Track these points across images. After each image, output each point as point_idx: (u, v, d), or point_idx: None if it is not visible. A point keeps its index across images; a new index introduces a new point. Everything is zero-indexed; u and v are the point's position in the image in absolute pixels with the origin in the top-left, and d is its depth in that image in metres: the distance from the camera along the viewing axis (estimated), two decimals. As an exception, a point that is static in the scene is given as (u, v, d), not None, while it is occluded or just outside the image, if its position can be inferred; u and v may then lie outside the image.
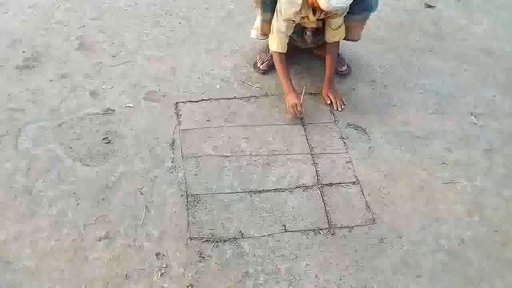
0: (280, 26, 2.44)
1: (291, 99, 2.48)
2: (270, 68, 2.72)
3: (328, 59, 2.60)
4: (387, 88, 2.76)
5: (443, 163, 2.39)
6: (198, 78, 2.70)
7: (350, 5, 2.26)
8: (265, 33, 2.62)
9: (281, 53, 2.51)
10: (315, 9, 2.32)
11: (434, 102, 2.71)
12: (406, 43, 3.09)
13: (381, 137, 2.48)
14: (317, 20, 2.45)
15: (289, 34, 2.49)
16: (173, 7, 3.15)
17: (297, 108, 2.46)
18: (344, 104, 2.61)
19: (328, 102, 2.60)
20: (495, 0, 3.54)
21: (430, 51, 3.05)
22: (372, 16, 3.25)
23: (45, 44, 2.80)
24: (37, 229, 1.99)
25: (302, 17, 2.41)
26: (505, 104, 2.75)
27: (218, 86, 2.65)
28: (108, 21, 2.99)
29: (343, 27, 2.53)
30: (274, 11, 2.47)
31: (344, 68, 2.77)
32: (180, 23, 3.04)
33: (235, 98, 2.59)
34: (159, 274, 1.89)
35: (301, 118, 2.51)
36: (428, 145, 2.48)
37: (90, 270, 1.88)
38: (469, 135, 2.55)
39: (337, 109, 2.58)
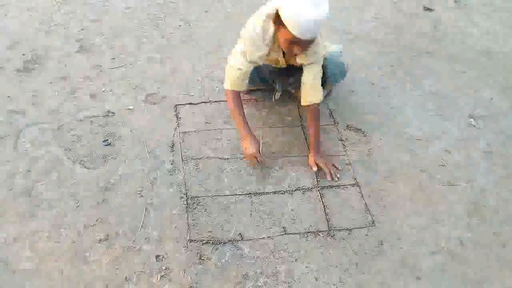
0: (236, 60, 2.18)
1: (248, 147, 2.19)
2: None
3: (310, 125, 2.33)
4: (386, 90, 2.77)
5: (442, 165, 2.40)
6: (198, 80, 2.70)
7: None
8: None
9: (235, 90, 2.24)
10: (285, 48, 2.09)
11: (433, 104, 2.72)
12: (405, 45, 3.10)
13: (380, 139, 2.49)
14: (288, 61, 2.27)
15: (246, 70, 2.19)
16: (172, 10, 3.16)
17: (256, 159, 2.20)
18: (339, 170, 2.31)
19: (315, 169, 2.28)
20: (493, 2, 3.56)
21: (428, 53, 3.06)
22: (372, 18, 3.28)
23: (45, 46, 2.80)
24: (37, 231, 1.99)
25: (270, 60, 2.26)
26: (504, 106, 2.75)
27: (217, 88, 2.66)
28: (108, 23, 3.00)
29: (319, 89, 2.27)
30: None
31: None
32: (179, 25, 3.05)
33: (234, 100, 2.60)
34: (159, 276, 1.89)
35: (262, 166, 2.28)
36: (427, 146, 2.48)
37: (90, 272, 1.88)
38: (468, 137, 2.55)
39: (333, 179, 2.26)
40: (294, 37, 1.93)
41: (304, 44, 2.01)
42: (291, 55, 2.11)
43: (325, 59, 2.30)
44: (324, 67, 2.29)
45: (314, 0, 1.85)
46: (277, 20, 1.97)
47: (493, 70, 2.99)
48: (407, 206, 2.21)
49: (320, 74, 2.26)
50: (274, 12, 1.98)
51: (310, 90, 2.25)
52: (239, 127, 2.25)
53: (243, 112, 2.25)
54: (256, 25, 2.08)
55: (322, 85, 2.28)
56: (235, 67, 2.18)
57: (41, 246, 1.94)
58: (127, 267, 1.91)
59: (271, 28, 2.05)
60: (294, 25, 1.89)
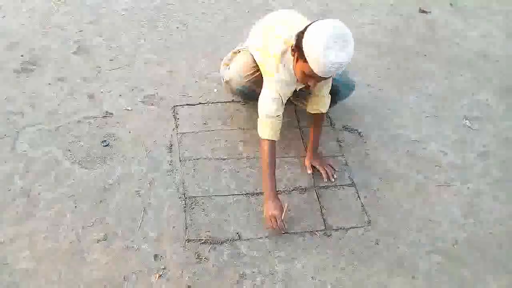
0: (270, 108, 2.06)
1: (271, 208, 2.03)
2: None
3: (312, 130, 2.30)
4: (383, 91, 2.79)
5: (438, 166, 2.41)
6: (196, 81, 2.71)
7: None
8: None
9: (272, 141, 2.09)
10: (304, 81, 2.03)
11: (429, 105, 2.74)
12: (402, 47, 3.12)
13: (377, 140, 2.50)
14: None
15: (281, 116, 2.10)
16: (170, 12, 3.17)
17: (276, 221, 2.02)
18: (336, 171, 2.31)
19: (310, 172, 2.29)
20: (489, 5, 3.58)
21: (425, 55, 3.08)
22: (368, 20, 3.30)
23: (43, 47, 2.81)
24: (35, 231, 1.99)
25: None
26: (499, 108, 2.78)
27: (215, 90, 2.67)
28: (106, 25, 3.01)
29: (328, 99, 2.24)
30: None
31: None
32: (177, 27, 3.06)
33: (232, 101, 2.61)
34: (157, 276, 1.90)
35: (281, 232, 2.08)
36: (423, 148, 2.50)
37: (88, 272, 1.89)
38: (464, 139, 2.57)
39: (330, 179, 2.28)
40: (313, 73, 1.87)
41: (322, 80, 1.98)
42: (305, 83, 2.05)
43: (334, 79, 2.23)
44: (334, 86, 2.24)
45: (341, 43, 1.78)
46: (298, 52, 1.89)
47: (488, 72, 3.01)
48: (403, 207, 2.23)
49: (330, 86, 2.22)
50: (294, 42, 1.92)
51: (319, 101, 2.23)
52: (267, 186, 2.08)
53: (275, 171, 2.09)
54: (279, 66, 2.02)
55: (331, 102, 2.26)
56: (275, 115, 2.06)
57: (40, 247, 1.95)
58: (126, 267, 1.92)
59: (291, 60, 1.99)
60: (318, 66, 1.82)
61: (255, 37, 2.21)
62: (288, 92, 2.10)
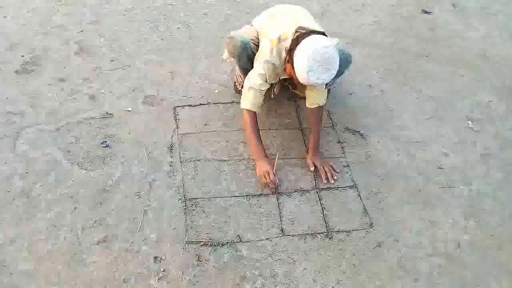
0: (255, 81, 2.21)
1: (262, 166, 2.22)
2: None
3: (312, 125, 2.35)
4: (384, 92, 2.78)
5: (440, 168, 2.40)
6: (197, 82, 2.71)
7: None
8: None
9: (252, 111, 2.25)
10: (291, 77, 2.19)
11: (430, 106, 2.73)
12: (403, 48, 3.11)
13: (378, 142, 2.50)
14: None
15: (264, 92, 2.25)
16: (171, 12, 3.16)
17: (269, 176, 2.19)
18: (337, 173, 2.32)
19: (312, 169, 2.31)
20: (490, 6, 3.58)
21: (426, 56, 3.07)
22: (370, 21, 3.30)
23: (44, 48, 2.80)
24: (35, 232, 1.99)
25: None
26: (501, 109, 2.77)
27: (216, 91, 2.66)
28: (107, 25, 3.01)
29: (324, 91, 2.31)
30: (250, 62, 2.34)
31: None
32: (178, 28, 3.06)
33: (233, 102, 2.61)
34: (157, 278, 1.89)
35: (275, 188, 2.21)
36: (425, 149, 2.49)
37: (88, 274, 1.88)
38: (466, 140, 2.56)
39: (330, 182, 2.27)
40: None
41: None
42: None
43: None
44: None
45: (325, 66, 1.98)
46: (290, 58, 2.08)
47: (490, 73, 3.00)
48: (404, 209, 2.22)
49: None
50: (291, 38, 2.10)
51: (316, 94, 2.29)
52: (255, 150, 2.26)
53: (259, 135, 2.27)
54: (273, 50, 2.19)
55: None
56: (257, 89, 2.22)
57: (39, 248, 1.94)
58: (125, 269, 1.91)
59: (283, 54, 2.17)
60: (303, 79, 2.03)
61: (261, 19, 2.38)
62: (273, 75, 2.24)
